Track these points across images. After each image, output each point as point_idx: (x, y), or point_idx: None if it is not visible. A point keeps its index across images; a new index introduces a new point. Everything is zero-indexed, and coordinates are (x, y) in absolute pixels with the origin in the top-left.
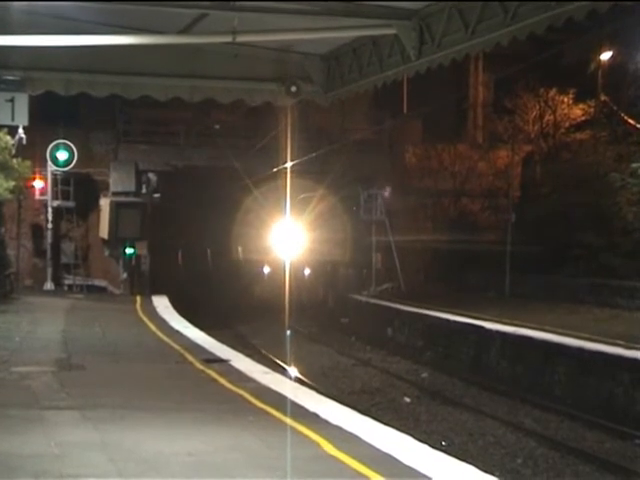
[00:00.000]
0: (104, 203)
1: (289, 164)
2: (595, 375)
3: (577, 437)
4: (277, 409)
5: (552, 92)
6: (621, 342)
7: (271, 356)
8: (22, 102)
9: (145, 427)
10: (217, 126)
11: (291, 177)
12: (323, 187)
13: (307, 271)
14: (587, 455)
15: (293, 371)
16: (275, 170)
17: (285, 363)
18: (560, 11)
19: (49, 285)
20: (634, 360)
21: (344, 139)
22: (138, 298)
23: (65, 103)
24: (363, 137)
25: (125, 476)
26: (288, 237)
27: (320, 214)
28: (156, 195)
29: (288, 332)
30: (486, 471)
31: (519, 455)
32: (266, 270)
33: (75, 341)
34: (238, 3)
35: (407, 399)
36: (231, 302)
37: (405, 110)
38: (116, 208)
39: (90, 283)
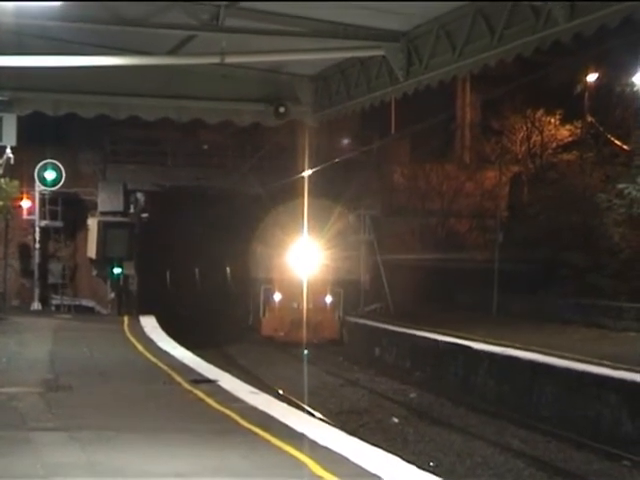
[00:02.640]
0: (92, 223)
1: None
2: (582, 395)
3: (565, 458)
4: (265, 430)
5: (539, 113)
6: (608, 362)
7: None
8: (10, 123)
9: (132, 448)
10: (205, 146)
11: (282, 198)
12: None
13: (328, 298)
14: (575, 476)
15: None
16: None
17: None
18: (546, 33)
19: (36, 305)
20: (621, 380)
21: (332, 159)
22: (126, 318)
23: (53, 123)
24: (351, 157)
25: None
26: (305, 257)
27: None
28: (144, 215)
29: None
30: None
31: (507, 476)
32: (277, 297)
33: (62, 362)
34: (226, 25)
35: (395, 419)
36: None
37: (393, 130)
38: (104, 228)
39: (78, 303)
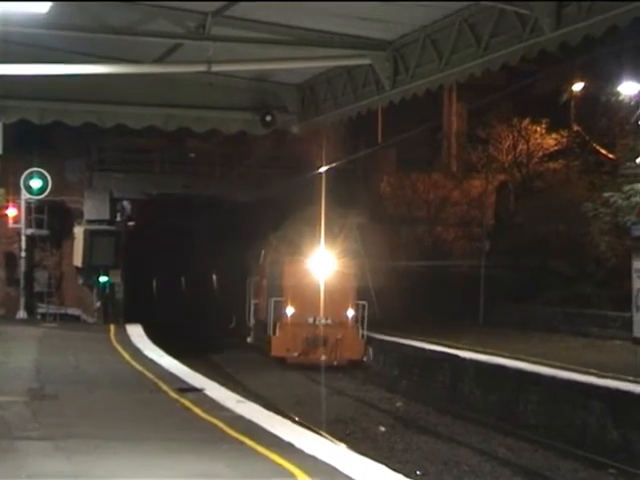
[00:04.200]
0: (78, 231)
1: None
2: (568, 404)
3: (551, 466)
4: (251, 438)
5: (525, 122)
6: (594, 371)
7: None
8: None
9: (118, 457)
10: (192, 155)
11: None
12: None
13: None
14: None
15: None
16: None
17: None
18: (532, 42)
19: (22, 314)
20: (606, 389)
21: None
22: (112, 327)
23: (39, 131)
24: (338, 166)
25: None
26: (322, 265)
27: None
28: (130, 223)
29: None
30: None
31: None
32: (290, 311)
33: (48, 370)
34: (213, 33)
35: (382, 428)
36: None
37: (380, 139)
38: (90, 236)
39: (64, 312)
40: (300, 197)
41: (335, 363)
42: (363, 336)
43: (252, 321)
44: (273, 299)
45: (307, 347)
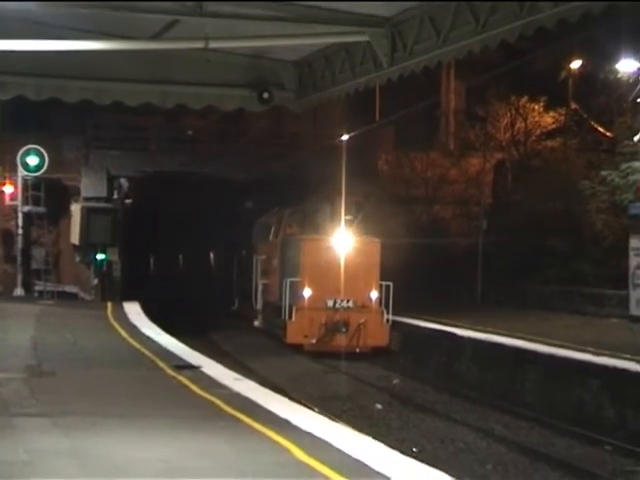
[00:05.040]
0: (75, 209)
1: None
2: (565, 382)
3: (547, 443)
4: (248, 415)
5: (523, 100)
6: (591, 349)
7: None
8: None
9: (116, 434)
10: (190, 132)
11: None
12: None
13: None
14: (556, 461)
15: None
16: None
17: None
18: (531, 20)
19: (19, 291)
20: (603, 367)
21: (317, 145)
22: (109, 304)
23: (36, 108)
24: (335, 144)
25: None
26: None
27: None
28: (128, 201)
29: None
30: (457, 477)
31: (489, 461)
32: (307, 293)
33: (45, 348)
34: (210, 9)
35: (379, 406)
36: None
37: (377, 117)
38: (87, 214)
39: (61, 289)
40: (301, 174)
41: (357, 350)
42: (388, 321)
43: (260, 303)
44: (288, 280)
45: (326, 333)
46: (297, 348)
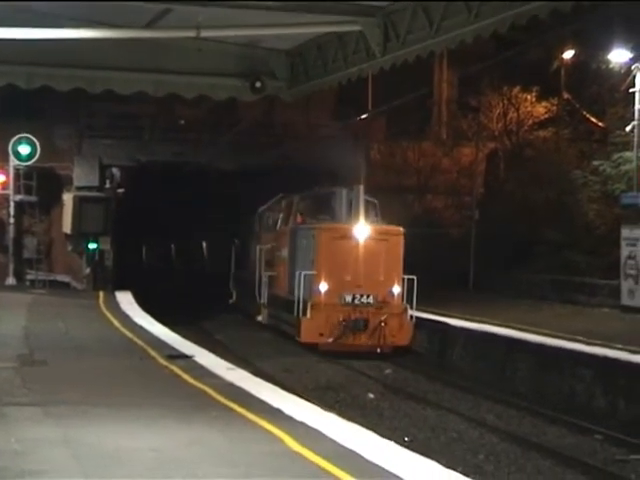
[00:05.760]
0: (67, 198)
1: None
2: (556, 371)
3: (538, 432)
4: (241, 405)
5: (516, 90)
6: (582, 338)
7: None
8: None
9: (108, 423)
10: (182, 121)
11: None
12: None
13: None
14: (548, 450)
15: None
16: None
17: None
18: (523, 10)
19: (11, 280)
20: (594, 356)
21: (309, 135)
22: (101, 293)
23: (28, 97)
24: (328, 133)
25: (87, 472)
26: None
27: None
28: (120, 190)
29: None
30: (449, 467)
31: (481, 451)
32: (323, 287)
33: (37, 337)
34: None
35: (371, 395)
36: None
37: (370, 107)
38: (79, 203)
39: (53, 278)
40: (298, 163)
41: (378, 351)
42: (412, 318)
43: (265, 297)
44: (303, 272)
45: (344, 331)
46: (311, 347)
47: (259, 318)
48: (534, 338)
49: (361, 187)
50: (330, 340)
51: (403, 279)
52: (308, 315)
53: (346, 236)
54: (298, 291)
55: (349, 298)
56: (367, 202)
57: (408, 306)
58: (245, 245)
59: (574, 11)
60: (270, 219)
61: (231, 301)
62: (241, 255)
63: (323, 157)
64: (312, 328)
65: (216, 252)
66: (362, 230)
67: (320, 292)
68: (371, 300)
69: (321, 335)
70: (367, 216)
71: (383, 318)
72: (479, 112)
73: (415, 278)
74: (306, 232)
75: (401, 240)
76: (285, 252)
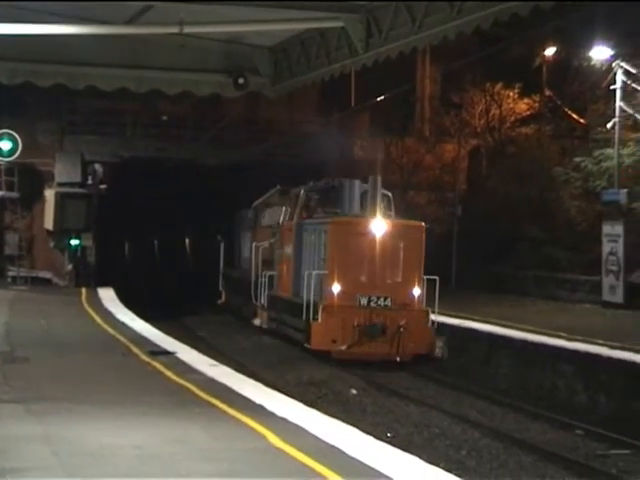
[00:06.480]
0: (49, 194)
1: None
2: (538, 367)
3: (520, 428)
4: (223, 401)
5: (498, 86)
6: (563, 334)
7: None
8: None
9: (90, 420)
10: (164, 117)
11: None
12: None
13: None
14: (530, 446)
15: None
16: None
17: None
18: (505, 7)
19: None
20: (575, 352)
21: (293, 131)
22: (84, 290)
23: (9, 92)
24: (311, 129)
25: (69, 470)
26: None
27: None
28: (102, 186)
29: None
30: (431, 462)
31: (463, 446)
32: (336, 289)
33: (19, 333)
34: None
35: (353, 391)
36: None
37: (353, 103)
38: (61, 199)
39: (35, 275)
40: (284, 159)
41: (397, 359)
42: (433, 323)
43: (264, 298)
44: (313, 272)
45: (359, 337)
46: (323, 355)
47: (257, 322)
48: (516, 334)
49: (379, 178)
50: (344, 347)
51: (423, 280)
52: (319, 319)
53: (362, 231)
54: (307, 293)
55: (364, 301)
56: (382, 195)
57: (429, 310)
58: (236, 242)
59: (554, 10)
60: (267, 214)
61: (220, 302)
62: (231, 253)
63: (307, 152)
64: (324, 334)
65: (199, 249)
66: (380, 225)
67: (332, 294)
68: (389, 303)
69: (334, 342)
70: (382, 210)
71: (402, 323)
72: (462, 109)
73: (437, 279)
74: (316, 227)
75: (422, 236)
76: (289, 249)
